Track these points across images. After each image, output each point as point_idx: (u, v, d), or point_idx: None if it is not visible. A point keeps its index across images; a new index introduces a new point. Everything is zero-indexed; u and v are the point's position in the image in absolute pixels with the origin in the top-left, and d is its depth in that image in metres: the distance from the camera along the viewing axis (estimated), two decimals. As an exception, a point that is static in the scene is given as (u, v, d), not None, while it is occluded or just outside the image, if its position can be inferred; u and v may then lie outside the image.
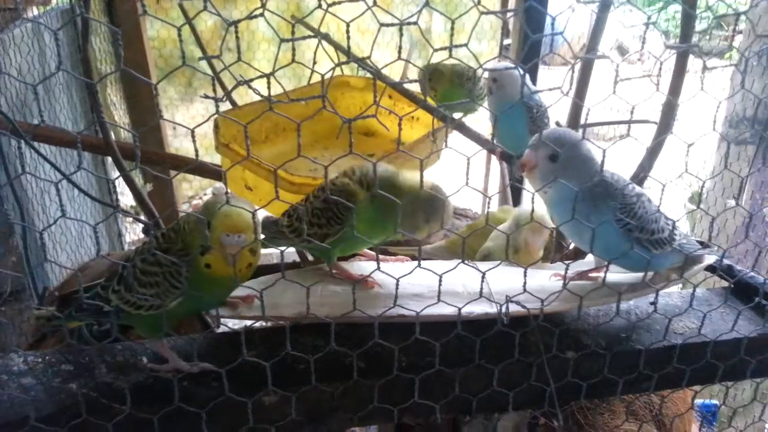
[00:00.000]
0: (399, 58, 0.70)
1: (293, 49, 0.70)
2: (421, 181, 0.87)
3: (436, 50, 0.71)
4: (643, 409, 1.36)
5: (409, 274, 0.93)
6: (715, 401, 2.56)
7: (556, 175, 0.94)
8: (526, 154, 0.98)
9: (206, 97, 0.90)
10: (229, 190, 0.84)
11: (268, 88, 0.68)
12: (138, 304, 0.90)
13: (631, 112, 0.78)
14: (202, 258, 0.86)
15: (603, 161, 0.87)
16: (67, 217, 0.69)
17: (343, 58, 1.99)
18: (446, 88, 1.84)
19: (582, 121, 1.42)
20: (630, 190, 0.97)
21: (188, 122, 4.74)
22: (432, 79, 1.83)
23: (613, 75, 0.78)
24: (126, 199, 3.44)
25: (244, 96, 3.11)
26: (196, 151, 0.74)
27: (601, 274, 1.05)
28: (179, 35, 0.62)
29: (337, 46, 1.82)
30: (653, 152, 1.11)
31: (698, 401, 2.31)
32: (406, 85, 1.88)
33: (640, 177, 1.15)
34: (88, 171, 2.54)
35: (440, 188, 1.00)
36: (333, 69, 0.77)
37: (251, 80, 0.73)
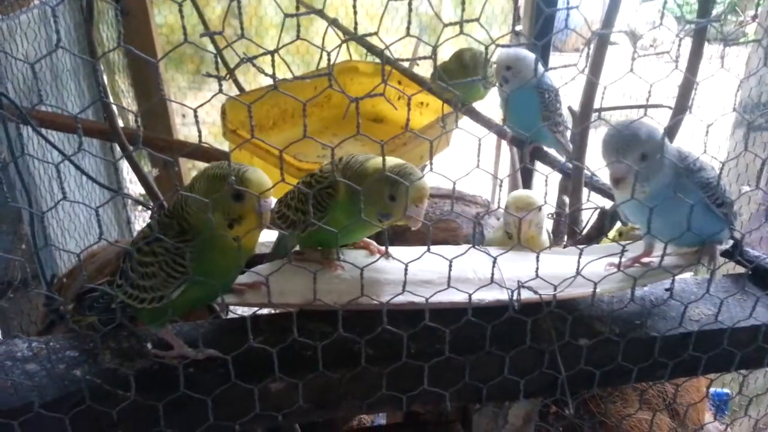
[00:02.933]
0: (408, 34, 0.68)
1: (298, 26, 0.68)
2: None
3: (446, 25, 0.68)
4: (656, 397, 1.34)
5: (417, 259, 0.91)
6: (726, 390, 2.53)
7: (649, 173, 0.89)
8: (616, 169, 0.90)
9: (209, 75, 0.88)
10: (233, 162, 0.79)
11: (273, 66, 0.66)
12: (141, 298, 0.87)
13: (649, 92, 0.76)
14: (230, 231, 0.83)
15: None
16: (69, 200, 0.68)
17: (353, 45, 1.96)
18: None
19: (595, 105, 1.39)
20: (705, 164, 0.96)
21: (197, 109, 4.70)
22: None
23: (625, 62, 0.76)
24: (136, 187, 3.44)
25: (252, 83, 3.09)
26: (200, 132, 0.72)
27: (653, 259, 1.02)
28: (180, 11, 0.60)
29: (345, 31, 1.79)
30: (670, 133, 1.08)
31: (710, 389, 2.28)
32: (416, 69, 1.86)
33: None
34: (89, 153, 2.53)
35: (408, 165, 0.91)
36: (339, 46, 0.75)
37: (254, 57, 0.71)
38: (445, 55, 2.01)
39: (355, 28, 0.74)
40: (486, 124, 1.74)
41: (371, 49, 1.86)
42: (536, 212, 1.11)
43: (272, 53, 0.66)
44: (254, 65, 0.76)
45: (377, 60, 2.02)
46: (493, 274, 0.91)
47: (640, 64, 0.80)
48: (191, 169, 3.98)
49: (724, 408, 2.47)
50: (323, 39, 1.58)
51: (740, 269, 1.18)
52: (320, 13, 1.55)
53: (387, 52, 1.35)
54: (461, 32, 0.69)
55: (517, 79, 1.52)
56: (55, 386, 0.84)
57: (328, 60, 0.66)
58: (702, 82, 0.90)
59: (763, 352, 1.03)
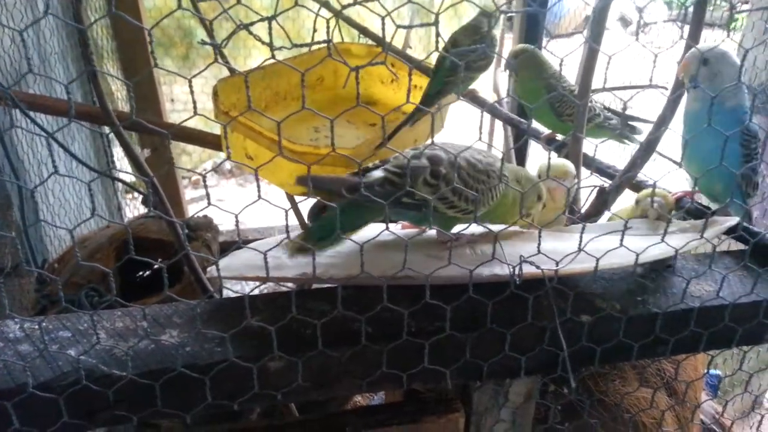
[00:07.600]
0: None
1: (296, -6, 0.66)
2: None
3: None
4: (654, 376, 1.34)
5: (417, 235, 0.90)
6: (717, 371, 2.56)
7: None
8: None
9: (204, 43, 0.86)
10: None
11: (270, 33, 0.64)
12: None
13: (654, 60, 0.74)
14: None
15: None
16: (60, 174, 0.66)
17: (345, 29, 1.94)
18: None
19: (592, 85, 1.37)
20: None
21: (186, 95, 4.69)
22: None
23: (617, 44, 0.74)
24: (125, 176, 3.40)
25: (242, 66, 3.06)
26: (194, 103, 0.70)
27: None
28: (174, -26, 0.58)
29: (336, 13, 1.77)
30: (673, 104, 1.06)
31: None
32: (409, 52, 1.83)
33: (660, 130, 1.10)
34: (78, 137, 2.50)
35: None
36: (330, 27, 0.73)
37: (251, 24, 0.69)
38: (443, 37, 1.97)
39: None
40: (481, 104, 1.73)
41: (364, 31, 1.83)
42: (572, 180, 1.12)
43: (269, 20, 0.64)
44: (250, 32, 0.74)
45: (370, 42, 1.99)
46: (494, 250, 0.89)
47: (630, 50, 0.79)
48: (180, 153, 3.95)
49: (714, 389, 2.50)
50: (314, 22, 1.55)
51: (734, 247, 1.18)
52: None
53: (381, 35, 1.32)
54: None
55: (712, 84, 1.17)
56: (48, 367, 0.82)
57: (327, 24, 0.64)
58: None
59: (763, 327, 1.03)
